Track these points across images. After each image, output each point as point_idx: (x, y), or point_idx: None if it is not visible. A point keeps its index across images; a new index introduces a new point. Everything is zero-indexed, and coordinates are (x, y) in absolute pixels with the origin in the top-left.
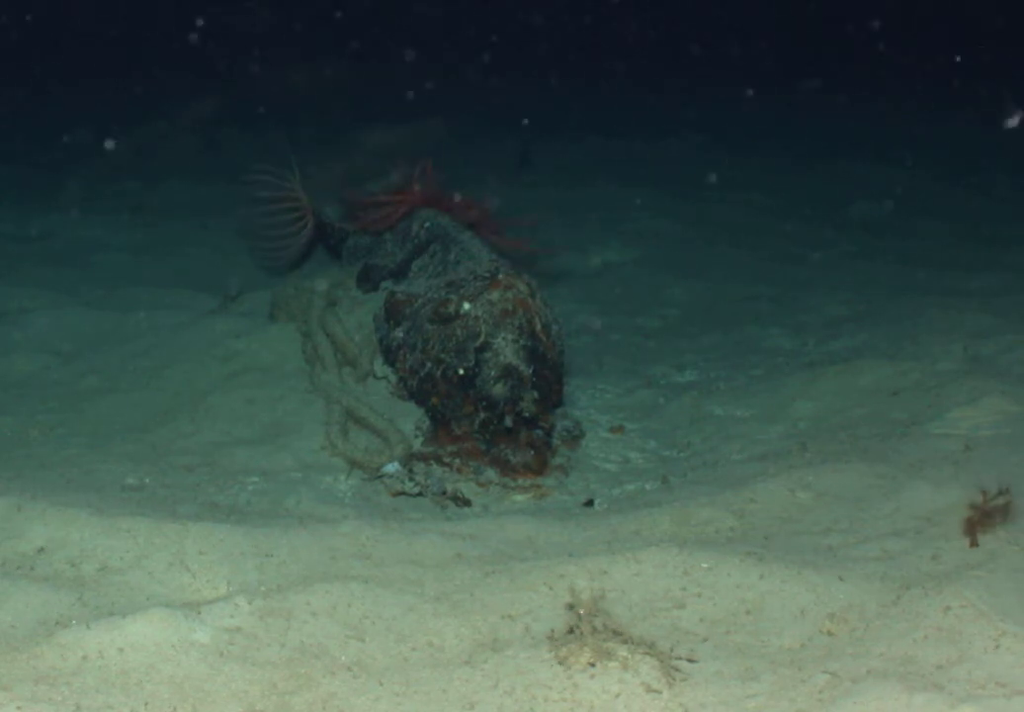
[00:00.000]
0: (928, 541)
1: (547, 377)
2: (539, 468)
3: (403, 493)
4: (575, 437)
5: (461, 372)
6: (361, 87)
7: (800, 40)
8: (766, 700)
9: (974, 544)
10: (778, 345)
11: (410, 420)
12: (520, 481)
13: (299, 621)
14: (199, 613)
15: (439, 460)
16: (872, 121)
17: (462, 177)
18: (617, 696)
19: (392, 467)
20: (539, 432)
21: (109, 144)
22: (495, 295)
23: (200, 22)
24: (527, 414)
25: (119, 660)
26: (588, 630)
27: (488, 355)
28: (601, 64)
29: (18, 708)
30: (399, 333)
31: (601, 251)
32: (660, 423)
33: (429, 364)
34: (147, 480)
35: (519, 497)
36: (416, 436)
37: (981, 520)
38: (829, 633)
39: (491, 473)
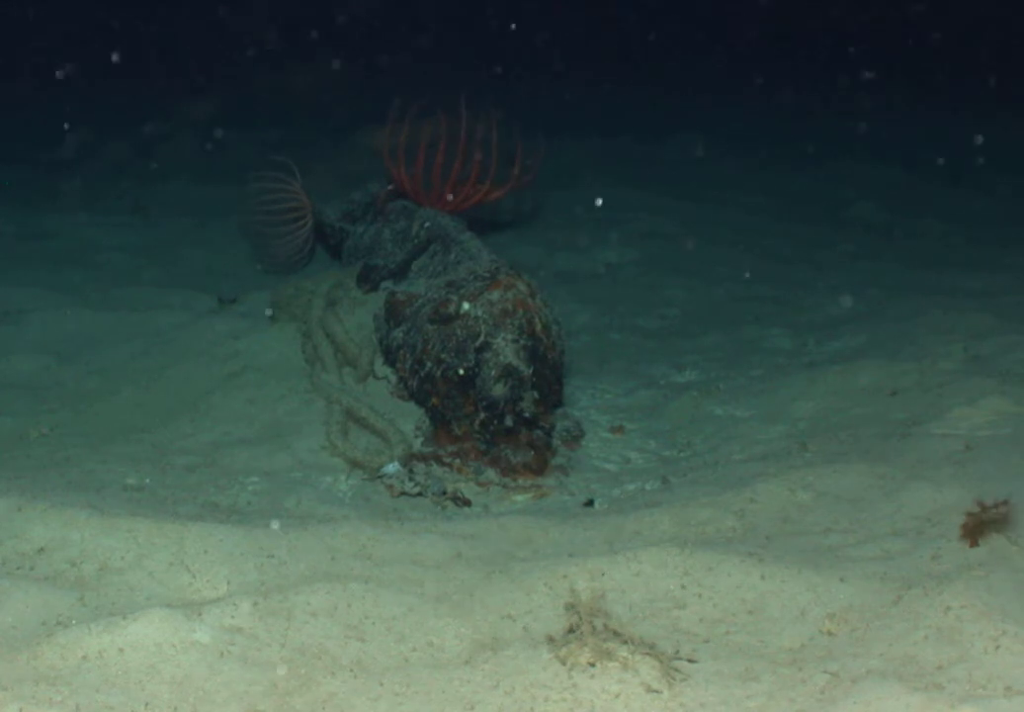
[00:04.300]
0: (928, 541)
1: (547, 377)
2: (539, 468)
3: (403, 493)
4: (575, 437)
5: (461, 372)
6: (359, 87)
7: (801, 41)
8: (766, 700)
9: (974, 544)
10: (778, 345)
11: (410, 420)
12: (520, 481)
13: (299, 621)
14: (199, 613)
15: (439, 460)
16: (872, 121)
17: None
18: (617, 696)
19: (392, 467)
20: (539, 432)
21: (109, 144)
22: (495, 295)
23: (200, 21)
24: (527, 414)
25: (119, 660)
26: (588, 630)
27: (488, 355)
28: (601, 63)
29: (18, 708)
30: (399, 333)
31: (601, 251)
32: (660, 423)
33: (429, 364)
34: (147, 480)
35: (519, 497)
36: (416, 436)
37: (977, 528)
38: (829, 633)
39: (491, 473)
